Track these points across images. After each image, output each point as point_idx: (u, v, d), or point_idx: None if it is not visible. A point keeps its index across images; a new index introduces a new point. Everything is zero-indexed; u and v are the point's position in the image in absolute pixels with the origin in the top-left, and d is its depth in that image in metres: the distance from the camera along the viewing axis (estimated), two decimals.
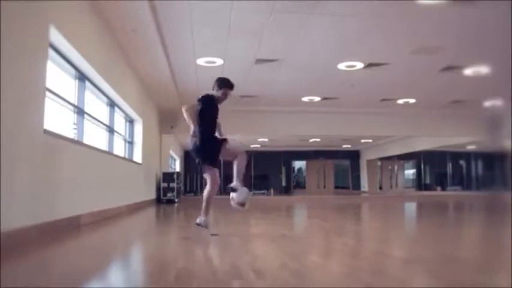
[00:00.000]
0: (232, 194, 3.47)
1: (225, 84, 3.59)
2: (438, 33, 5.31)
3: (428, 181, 18.45)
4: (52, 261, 2.52)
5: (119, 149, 6.63)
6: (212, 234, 3.43)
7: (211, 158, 3.46)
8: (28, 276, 2.06)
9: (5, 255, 2.39)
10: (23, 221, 2.87)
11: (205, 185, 3.61)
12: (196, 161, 3.53)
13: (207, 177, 3.55)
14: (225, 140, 3.52)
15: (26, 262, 2.37)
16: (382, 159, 17.75)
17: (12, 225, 2.68)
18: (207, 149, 3.43)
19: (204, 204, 3.50)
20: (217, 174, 3.57)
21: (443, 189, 17.09)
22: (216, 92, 3.58)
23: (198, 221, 3.47)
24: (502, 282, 1.90)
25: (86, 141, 4.64)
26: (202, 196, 3.61)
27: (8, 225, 2.60)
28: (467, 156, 17.40)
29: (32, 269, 2.24)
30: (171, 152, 13.04)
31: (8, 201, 2.61)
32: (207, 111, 3.45)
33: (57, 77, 4.02)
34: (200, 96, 3.51)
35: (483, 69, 6.82)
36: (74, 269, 2.22)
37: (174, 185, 9.42)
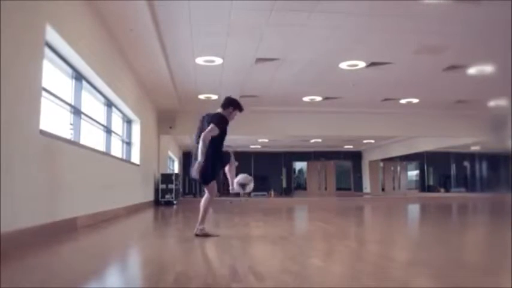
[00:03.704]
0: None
1: (238, 106, 3.67)
2: (442, 32, 5.24)
3: (431, 182, 18.34)
4: (50, 263, 2.48)
5: (117, 150, 6.56)
6: (213, 235, 3.40)
7: (213, 176, 3.54)
8: (27, 277, 2.03)
9: (3, 256, 2.37)
10: (20, 222, 2.82)
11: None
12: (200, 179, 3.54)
13: (206, 188, 3.54)
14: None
15: (25, 264, 2.34)
16: (384, 160, 17.67)
17: (10, 226, 2.64)
18: (213, 169, 3.49)
19: (201, 213, 3.47)
20: (215, 184, 3.58)
21: (447, 190, 16.98)
22: (225, 111, 3.61)
23: (197, 232, 3.44)
24: (505, 284, 1.86)
25: (82, 141, 4.57)
26: (200, 204, 3.57)
27: (6, 227, 2.56)
28: (472, 157, 17.30)
29: (30, 270, 2.20)
30: (170, 153, 12.99)
31: (5, 202, 2.56)
32: (220, 134, 3.44)
33: (54, 77, 3.96)
34: (215, 116, 3.48)
35: (487, 69, 6.75)
36: (72, 271, 2.19)
37: (172, 186, 9.34)
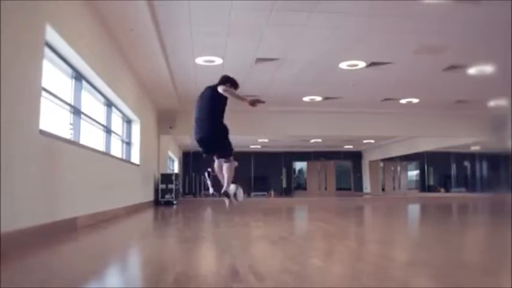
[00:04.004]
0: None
1: (235, 84, 3.80)
2: (442, 32, 5.24)
3: (431, 182, 18.32)
4: (50, 263, 2.48)
5: (116, 150, 6.56)
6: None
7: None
8: (27, 277, 2.03)
9: (3, 256, 2.37)
10: (20, 222, 2.81)
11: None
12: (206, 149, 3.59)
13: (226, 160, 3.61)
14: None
15: (25, 264, 2.33)
16: (384, 160, 17.66)
17: (10, 226, 2.63)
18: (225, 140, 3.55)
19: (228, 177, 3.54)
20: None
21: (447, 190, 16.97)
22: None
23: (228, 190, 3.51)
24: (505, 284, 1.86)
25: (82, 141, 4.57)
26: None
27: (6, 227, 2.56)
28: (472, 157, 17.29)
29: (30, 270, 2.20)
30: (170, 153, 12.98)
31: (5, 202, 2.56)
32: (223, 104, 3.49)
33: (53, 76, 3.95)
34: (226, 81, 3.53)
35: (487, 69, 6.75)
36: (72, 271, 2.19)
37: (172, 186, 9.32)
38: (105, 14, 4.51)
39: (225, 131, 3.51)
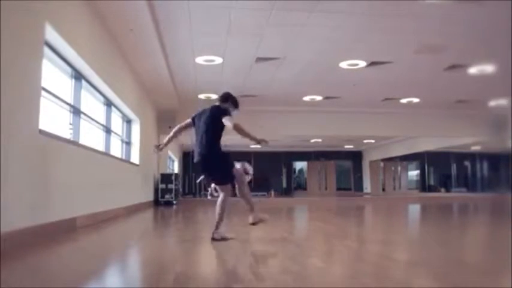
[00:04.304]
0: None
1: (235, 103, 3.58)
2: (442, 32, 5.24)
3: (432, 182, 18.33)
4: (50, 263, 2.47)
5: (116, 150, 6.56)
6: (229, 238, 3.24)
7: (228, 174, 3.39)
8: (27, 277, 2.03)
9: (3, 256, 2.37)
10: (19, 222, 2.81)
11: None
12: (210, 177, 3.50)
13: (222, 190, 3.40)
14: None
15: (25, 264, 2.33)
16: (385, 160, 17.66)
17: (10, 226, 2.63)
18: (225, 165, 3.39)
19: (217, 217, 3.28)
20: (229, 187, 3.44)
21: (448, 190, 16.97)
22: (223, 106, 3.53)
23: (215, 236, 3.19)
24: (505, 284, 1.86)
25: (82, 141, 4.56)
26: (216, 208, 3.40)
27: (6, 227, 2.55)
28: (472, 157, 17.31)
29: (30, 270, 2.20)
30: (170, 153, 12.98)
31: (3, 202, 2.55)
32: (222, 128, 3.40)
33: (53, 76, 3.95)
34: (221, 109, 3.43)
35: (488, 68, 6.74)
36: (71, 272, 2.18)
37: (172, 186, 9.32)
38: (105, 14, 4.51)
39: (224, 155, 3.34)
